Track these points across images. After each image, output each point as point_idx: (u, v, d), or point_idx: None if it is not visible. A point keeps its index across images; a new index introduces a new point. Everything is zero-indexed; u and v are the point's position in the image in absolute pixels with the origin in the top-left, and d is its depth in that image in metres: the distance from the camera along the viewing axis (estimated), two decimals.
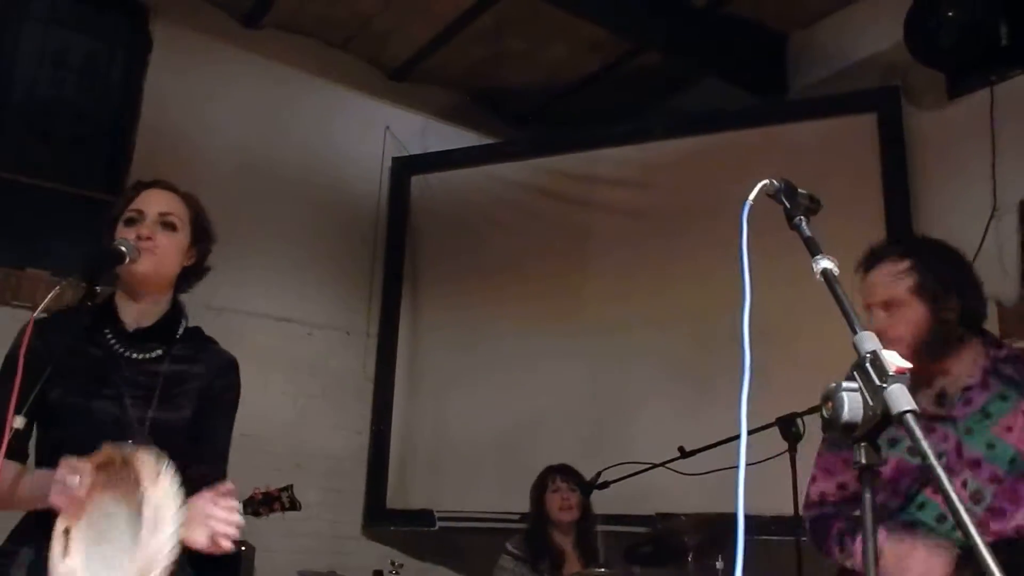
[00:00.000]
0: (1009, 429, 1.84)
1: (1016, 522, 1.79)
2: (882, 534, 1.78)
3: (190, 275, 2.06)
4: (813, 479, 2.07)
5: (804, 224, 1.36)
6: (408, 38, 5.04)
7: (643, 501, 3.88)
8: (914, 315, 1.91)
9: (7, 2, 4.26)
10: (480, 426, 4.68)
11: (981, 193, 3.89)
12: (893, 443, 1.84)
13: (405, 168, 5.28)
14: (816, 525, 2.01)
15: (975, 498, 1.81)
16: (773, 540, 3.38)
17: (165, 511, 1.55)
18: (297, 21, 4.94)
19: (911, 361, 1.81)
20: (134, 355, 1.91)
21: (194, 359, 1.96)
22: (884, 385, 1.06)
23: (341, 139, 5.16)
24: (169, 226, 1.96)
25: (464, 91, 5.56)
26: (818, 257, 1.28)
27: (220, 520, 1.59)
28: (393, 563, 3.69)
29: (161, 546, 1.52)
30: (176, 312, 2.00)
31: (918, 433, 1.01)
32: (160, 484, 1.57)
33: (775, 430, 3.05)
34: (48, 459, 1.76)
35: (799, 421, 3.02)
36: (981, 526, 1.72)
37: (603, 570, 3.43)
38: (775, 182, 1.38)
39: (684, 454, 3.42)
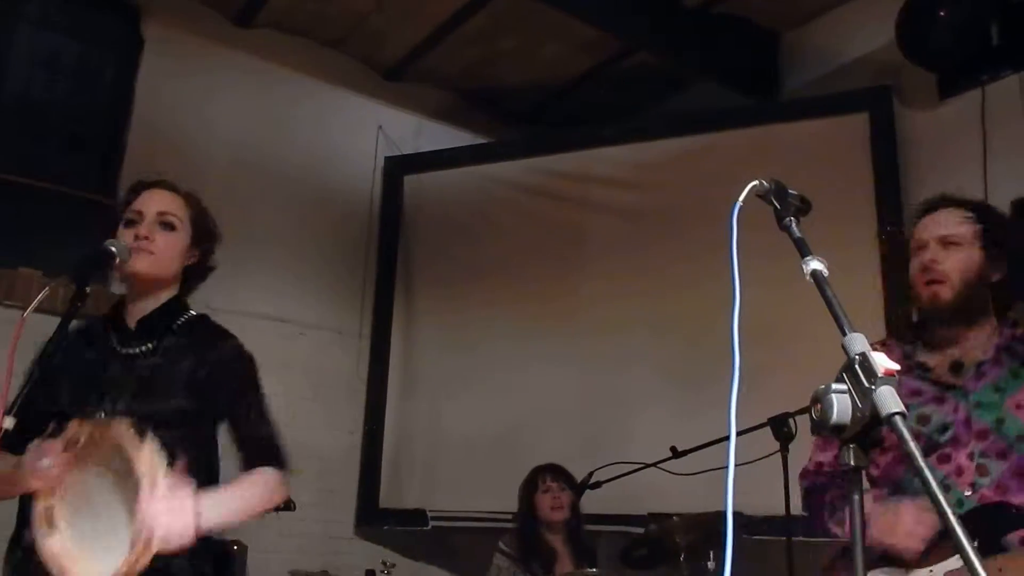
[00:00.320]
0: (1019, 406, 1.84)
1: (1020, 499, 1.78)
2: (869, 499, 1.80)
3: (193, 275, 2.07)
4: (812, 453, 2.09)
5: (794, 225, 1.36)
6: (401, 38, 5.04)
7: (636, 501, 3.89)
8: (969, 260, 1.91)
9: None
10: (473, 426, 4.68)
11: (972, 193, 3.83)
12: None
13: (398, 168, 5.27)
14: (810, 493, 2.04)
15: (981, 471, 1.81)
16: (765, 539, 3.39)
17: (158, 469, 1.59)
18: (290, 20, 4.93)
19: (945, 309, 1.89)
20: (127, 351, 1.94)
21: (187, 350, 1.96)
22: (872, 387, 1.06)
23: (334, 139, 5.15)
24: (167, 226, 1.98)
25: (458, 91, 5.56)
26: (808, 258, 1.29)
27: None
28: (385, 563, 3.69)
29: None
30: (171, 306, 2.00)
31: (906, 435, 1.01)
32: (144, 446, 1.60)
33: (767, 430, 3.06)
34: None
35: (791, 421, 3.03)
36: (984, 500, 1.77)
37: (595, 570, 3.43)
38: (765, 183, 1.38)
39: (676, 454, 3.43)
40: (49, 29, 4.37)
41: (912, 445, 1.00)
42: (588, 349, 4.58)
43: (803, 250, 1.31)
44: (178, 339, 1.97)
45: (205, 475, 1.85)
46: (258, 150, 4.81)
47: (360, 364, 5.02)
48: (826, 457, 2.04)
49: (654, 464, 3.55)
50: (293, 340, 4.78)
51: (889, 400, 1.04)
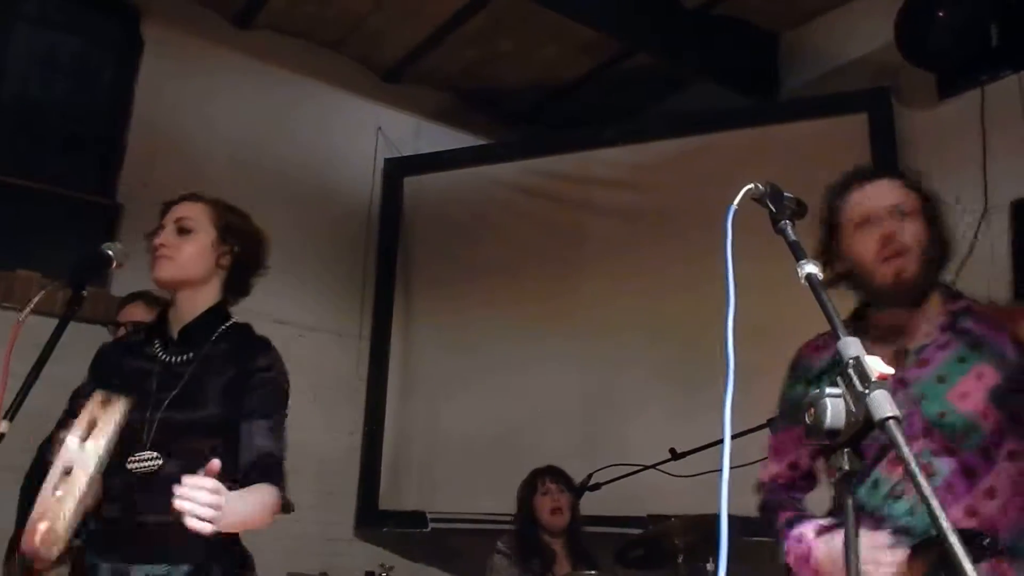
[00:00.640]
0: (964, 395, 1.65)
1: (968, 501, 1.61)
2: (809, 532, 1.71)
3: (234, 277, 2.11)
4: (766, 461, 1.95)
5: (789, 228, 1.36)
6: (400, 39, 5.04)
7: (635, 503, 3.88)
8: (919, 231, 1.73)
9: None
10: (473, 427, 4.68)
11: (972, 193, 3.89)
12: None
13: (397, 169, 5.27)
14: (766, 511, 1.91)
15: (927, 470, 1.61)
16: (762, 541, 3.37)
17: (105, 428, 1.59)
18: (289, 22, 4.93)
19: (910, 287, 1.68)
20: (169, 359, 1.98)
21: (225, 360, 1.99)
22: (866, 391, 1.06)
23: (333, 140, 5.15)
24: (184, 231, 2.03)
25: (457, 92, 5.55)
26: (803, 261, 1.29)
27: (181, 495, 1.57)
28: (383, 565, 3.68)
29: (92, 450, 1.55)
30: (212, 314, 2.04)
31: (900, 440, 1.01)
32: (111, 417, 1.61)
33: (766, 432, 3.05)
34: None
35: None
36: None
37: (593, 572, 3.43)
38: (760, 186, 1.38)
39: (675, 456, 3.43)
40: (48, 28, 4.37)
41: (906, 451, 0.99)
42: (587, 350, 4.58)
43: (798, 253, 1.31)
44: (217, 348, 2.01)
45: (232, 481, 1.86)
46: (257, 152, 4.81)
47: (360, 365, 5.02)
48: (780, 468, 1.91)
49: (653, 466, 3.55)
50: (292, 342, 4.76)
51: (884, 404, 1.04)
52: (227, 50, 4.81)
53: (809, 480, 1.91)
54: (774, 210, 1.38)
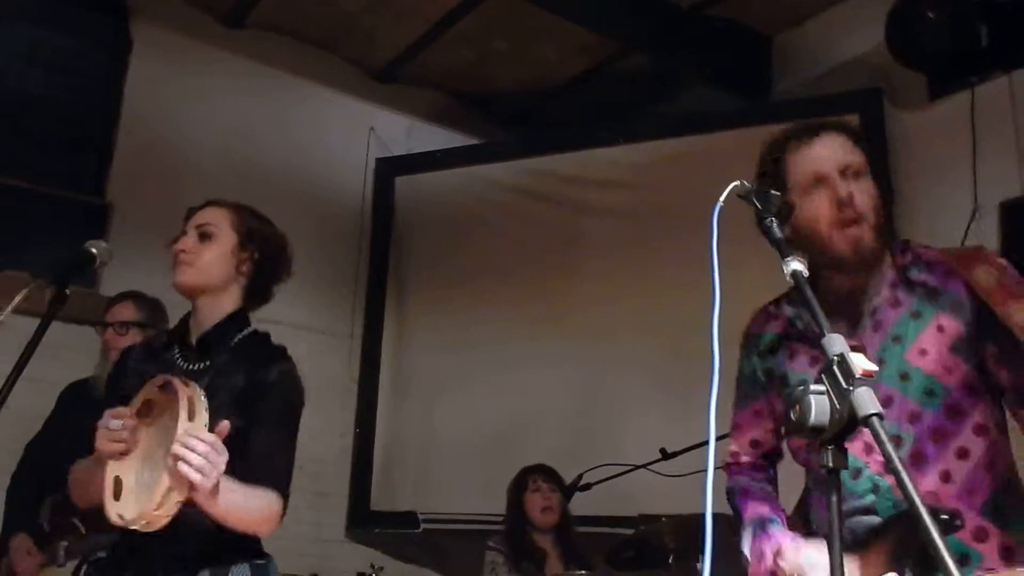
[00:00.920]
0: (923, 352, 1.55)
1: (940, 466, 1.52)
2: (768, 547, 1.61)
3: (255, 284, 2.06)
4: (730, 437, 1.85)
5: (775, 226, 1.36)
6: (393, 39, 5.03)
7: (626, 503, 3.88)
8: (871, 192, 1.64)
9: None
10: (465, 428, 4.67)
11: (962, 194, 3.91)
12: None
13: (390, 169, 5.26)
14: (731, 497, 1.81)
15: (894, 441, 1.46)
16: None
17: (196, 401, 1.63)
18: (280, 21, 4.92)
19: (869, 256, 1.58)
20: (187, 367, 1.95)
21: (240, 369, 1.95)
22: (850, 388, 1.06)
23: (325, 140, 5.14)
24: (204, 236, 2.00)
25: (450, 92, 5.55)
26: (788, 259, 1.29)
27: (177, 440, 1.57)
28: (373, 566, 3.67)
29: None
30: (230, 322, 2.01)
31: (883, 437, 1.00)
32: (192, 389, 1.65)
33: None
34: None
35: None
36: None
37: (584, 572, 3.42)
38: (746, 183, 1.38)
39: (666, 456, 3.43)
40: (36, 25, 4.34)
41: (889, 448, 0.99)
42: (579, 351, 4.57)
43: (783, 251, 1.31)
44: (233, 356, 1.97)
45: None
46: (248, 151, 4.79)
47: (351, 366, 5.01)
48: (742, 444, 1.83)
49: (644, 466, 3.55)
50: (284, 342, 4.75)
51: (867, 401, 1.04)
52: (217, 49, 4.80)
53: (773, 457, 1.85)
54: (759, 207, 1.38)
